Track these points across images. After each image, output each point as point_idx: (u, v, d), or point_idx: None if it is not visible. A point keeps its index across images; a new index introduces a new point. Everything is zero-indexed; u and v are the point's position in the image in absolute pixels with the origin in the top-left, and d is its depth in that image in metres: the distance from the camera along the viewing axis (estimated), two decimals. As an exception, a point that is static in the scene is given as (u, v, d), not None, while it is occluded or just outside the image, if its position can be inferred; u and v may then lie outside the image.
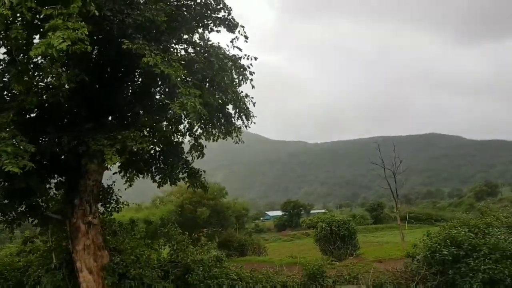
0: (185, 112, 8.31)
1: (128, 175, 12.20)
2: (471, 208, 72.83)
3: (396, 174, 41.31)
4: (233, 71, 10.61)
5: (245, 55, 10.95)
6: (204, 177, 13.03)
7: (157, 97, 9.71)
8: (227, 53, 10.76)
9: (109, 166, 11.73)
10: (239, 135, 12.07)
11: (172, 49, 9.72)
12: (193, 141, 12.48)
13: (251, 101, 11.44)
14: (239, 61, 10.86)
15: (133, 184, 11.55)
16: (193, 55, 9.95)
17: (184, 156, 12.59)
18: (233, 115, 11.50)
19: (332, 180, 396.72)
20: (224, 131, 11.77)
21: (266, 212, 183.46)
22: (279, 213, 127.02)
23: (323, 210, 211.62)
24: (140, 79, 10.11)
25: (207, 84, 10.53)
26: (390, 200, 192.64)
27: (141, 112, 9.95)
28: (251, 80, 11.00)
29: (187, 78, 10.03)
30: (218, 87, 10.38)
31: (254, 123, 11.80)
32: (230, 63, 10.84)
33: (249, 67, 10.96)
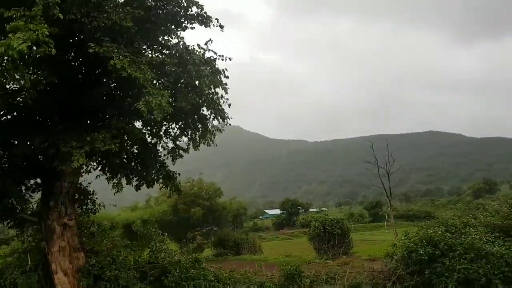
0: (150, 109, 8.35)
1: (114, 180, 12.28)
2: (469, 205, 72.92)
3: (390, 173, 41.47)
4: (209, 76, 10.61)
5: (221, 56, 10.99)
6: (179, 181, 13.05)
7: (129, 99, 9.71)
8: (204, 54, 10.77)
9: (87, 169, 11.82)
10: (213, 138, 12.11)
11: (145, 52, 9.71)
12: (172, 144, 12.51)
13: (226, 102, 11.48)
14: (214, 63, 10.86)
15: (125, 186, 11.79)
16: (164, 57, 9.93)
17: (161, 159, 12.61)
18: (208, 117, 11.52)
19: (331, 179, 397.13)
20: (200, 134, 11.79)
21: (265, 211, 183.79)
22: (277, 211, 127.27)
23: (323, 209, 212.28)
24: (111, 82, 10.13)
25: (182, 86, 10.54)
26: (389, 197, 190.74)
27: (113, 114, 9.96)
28: (225, 84, 11.04)
29: (160, 80, 10.05)
30: (192, 89, 10.40)
31: (230, 124, 11.84)
32: (208, 68, 10.85)
33: (224, 71, 10.98)
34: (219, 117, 11.46)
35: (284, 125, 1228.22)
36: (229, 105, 11.60)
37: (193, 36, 11.99)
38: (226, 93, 11.09)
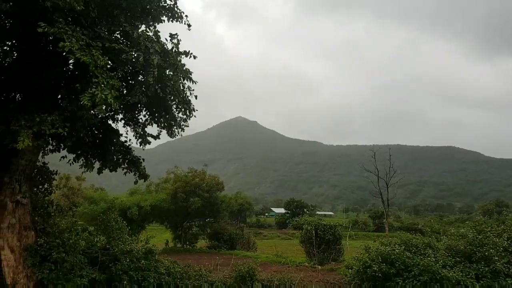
0: (94, 103, 8.17)
1: (84, 161, 12.24)
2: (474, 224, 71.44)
3: (390, 184, 40.84)
4: (175, 69, 10.46)
5: (186, 51, 10.79)
6: (144, 166, 12.90)
7: (77, 85, 9.55)
8: (168, 46, 10.60)
9: (46, 148, 11.79)
10: (179, 130, 11.93)
11: (105, 38, 9.53)
12: (141, 131, 12.39)
13: (192, 93, 11.28)
14: (178, 57, 10.68)
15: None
16: (125, 45, 9.73)
17: (126, 144, 12.50)
18: (174, 109, 11.35)
19: (343, 184, 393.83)
20: (166, 125, 11.65)
21: (272, 209, 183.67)
22: (282, 211, 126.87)
23: (330, 213, 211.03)
24: (65, 64, 10.01)
25: (141, 76, 10.39)
26: (398, 209, 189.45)
27: (65, 96, 9.84)
28: (190, 72, 10.87)
29: (118, 68, 9.86)
30: (157, 79, 10.23)
31: (195, 116, 11.66)
32: (171, 59, 10.68)
33: (189, 72, 10.82)
34: (183, 109, 11.27)
35: (299, 124, 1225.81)
36: (196, 96, 11.41)
37: (165, 31, 11.89)
38: (194, 82, 10.90)
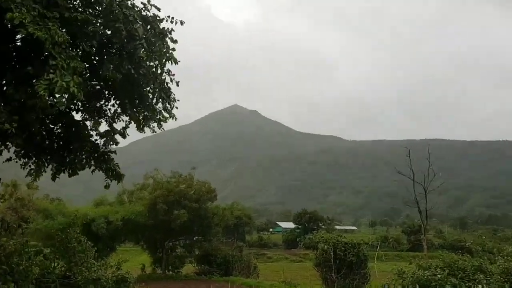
0: (53, 93, 8.13)
1: (33, 164, 12.23)
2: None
3: (428, 190, 40.92)
4: (150, 38, 10.46)
5: (168, 16, 10.78)
6: (116, 163, 12.87)
7: (29, 67, 9.49)
8: (144, 11, 10.59)
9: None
10: (157, 125, 11.97)
11: (64, 7, 9.47)
12: (107, 126, 12.39)
13: (173, 78, 11.28)
14: (157, 23, 10.68)
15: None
16: (89, 15, 9.68)
17: (92, 139, 12.49)
18: (151, 97, 11.36)
19: (368, 189, 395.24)
20: (141, 117, 11.67)
21: (278, 223, 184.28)
22: (292, 225, 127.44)
23: (352, 227, 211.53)
24: (13, 41, 9.96)
25: (114, 52, 10.36)
26: (439, 221, 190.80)
27: (11, 82, 9.78)
28: (173, 49, 10.87)
29: (80, 44, 9.84)
30: (128, 58, 10.23)
31: (177, 107, 11.65)
32: (148, 28, 10.68)
33: (170, 33, 10.83)
34: (163, 99, 11.30)
35: (310, 115, 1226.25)
36: (177, 83, 11.41)
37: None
38: (175, 63, 10.90)
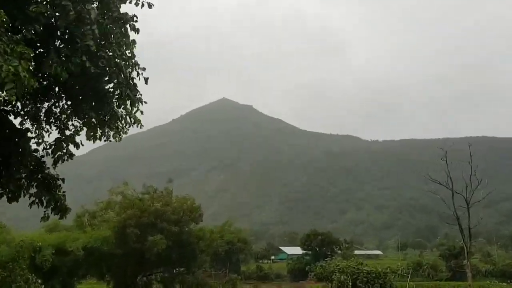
0: None
1: None
2: None
3: (471, 203, 40.98)
4: (107, 24, 10.48)
5: (133, -4, 10.81)
6: (63, 192, 12.81)
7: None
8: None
9: None
10: (113, 134, 11.99)
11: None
12: (58, 134, 12.32)
13: (141, 73, 11.29)
14: (117, 5, 10.69)
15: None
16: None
17: (36, 155, 12.42)
18: (111, 97, 11.36)
19: (395, 203, 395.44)
20: (97, 121, 11.67)
21: (281, 248, 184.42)
22: (298, 250, 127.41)
23: (377, 252, 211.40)
24: None
25: (63, 40, 10.35)
26: (487, 241, 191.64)
27: None
28: (133, 41, 10.92)
29: (25, 28, 9.82)
30: (81, 47, 10.20)
31: (142, 112, 11.70)
32: (116, 13, 10.70)
33: (133, 19, 10.86)
34: (127, 98, 11.29)
35: (319, 109, 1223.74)
36: (146, 79, 11.46)
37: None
38: (133, 57, 10.95)
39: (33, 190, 12.42)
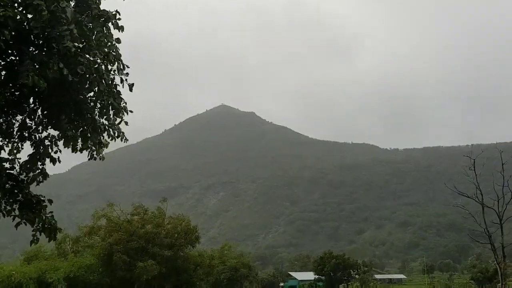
0: None
1: None
2: None
3: (504, 218, 40.98)
4: (85, 23, 10.63)
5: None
6: (51, 213, 12.93)
7: None
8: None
9: None
10: (96, 150, 12.14)
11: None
12: (32, 149, 12.44)
13: (124, 79, 11.42)
14: (96, 3, 10.86)
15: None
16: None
17: (13, 173, 12.54)
18: (92, 106, 11.49)
19: (420, 220, 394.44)
20: (78, 135, 11.77)
21: (291, 273, 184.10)
22: (311, 276, 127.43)
23: (400, 276, 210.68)
24: None
25: (37, 44, 10.50)
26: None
27: None
28: (117, 40, 11.04)
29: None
30: (58, 52, 10.36)
31: (126, 123, 11.79)
32: (95, 10, 10.88)
33: (115, 16, 11.00)
34: (110, 107, 11.43)
35: (330, 115, 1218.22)
36: (131, 86, 11.63)
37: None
38: (117, 60, 11.09)
39: (15, 213, 12.55)
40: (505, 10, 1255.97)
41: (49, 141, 12.30)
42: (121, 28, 11.46)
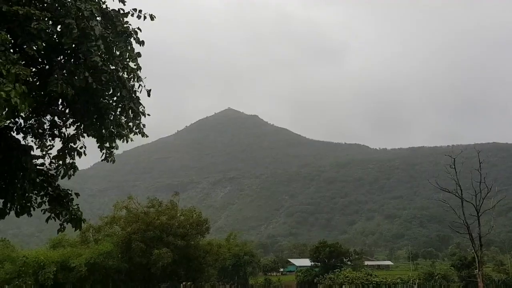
0: None
1: None
2: None
3: (481, 211, 40.98)
4: (110, 38, 10.63)
5: (135, 10, 10.97)
6: (77, 205, 12.96)
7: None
8: (104, 4, 10.79)
9: None
10: (114, 148, 12.17)
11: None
12: (62, 144, 12.49)
13: (143, 85, 11.45)
14: (122, 19, 10.87)
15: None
16: (36, 10, 9.85)
17: (43, 169, 12.56)
18: (114, 111, 11.49)
19: (406, 212, 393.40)
20: (103, 136, 11.79)
21: (290, 260, 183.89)
22: (307, 262, 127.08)
23: (387, 262, 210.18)
24: None
25: (66, 56, 10.51)
26: (500, 250, 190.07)
27: None
28: (138, 54, 11.06)
29: (25, 45, 10.02)
30: (84, 63, 10.37)
31: (144, 125, 11.84)
32: (120, 27, 10.89)
33: (136, 32, 11.04)
34: (130, 112, 11.45)
35: (325, 118, 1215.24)
36: (148, 92, 11.64)
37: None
38: (137, 70, 11.07)
39: (45, 206, 12.62)
40: (485, 17, 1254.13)
41: (76, 137, 12.36)
42: (142, 43, 11.51)
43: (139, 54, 11.37)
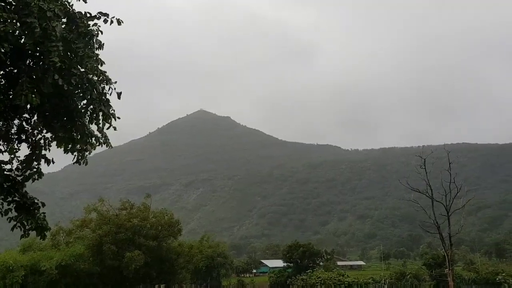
0: None
1: None
2: None
3: (451, 210, 41.45)
4: (73, 40, 10.61)
5: (101, 13, 10.96)
6: (43, 213, 12.84)
7: None
8: (71, 7, 10.75)
9: None
10: (84, 152, 12.09)
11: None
12: (28, 150, 12.37)
13: (113, 88, 11.40)
14: (86, 22, 10.85)
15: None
16: (2, 13, 9.78)
17: (11, 175, 12.43)
18: (84, 112, 11.44)
19: (378, 212, 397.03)
20: (67, 137, 11.71)
21: (263, 261, 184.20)
22: (280, 263, 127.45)
23: (359, 262, 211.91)
24: None
25: (32, 58, 10.45)
26: (470, 249, 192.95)
27: None
28: (97, 56, 11.11)
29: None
30: (51, 64, 10.31)
31: (114, 128, 11.76)
32: (83, 28, 10.86)
33: (97, 35, 11.07)
34: (100, 114, 11.40)
35: (296, 119, 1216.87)
36: (119, 94, 11.61)
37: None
38: (99, 75, 11.08)
39: (12, 214, 12.48)
40: (456, 20, 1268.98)
41: (43, 142, 12.24)
42: (101, 46, 11.50)
43: (100, 60, 11.33)
